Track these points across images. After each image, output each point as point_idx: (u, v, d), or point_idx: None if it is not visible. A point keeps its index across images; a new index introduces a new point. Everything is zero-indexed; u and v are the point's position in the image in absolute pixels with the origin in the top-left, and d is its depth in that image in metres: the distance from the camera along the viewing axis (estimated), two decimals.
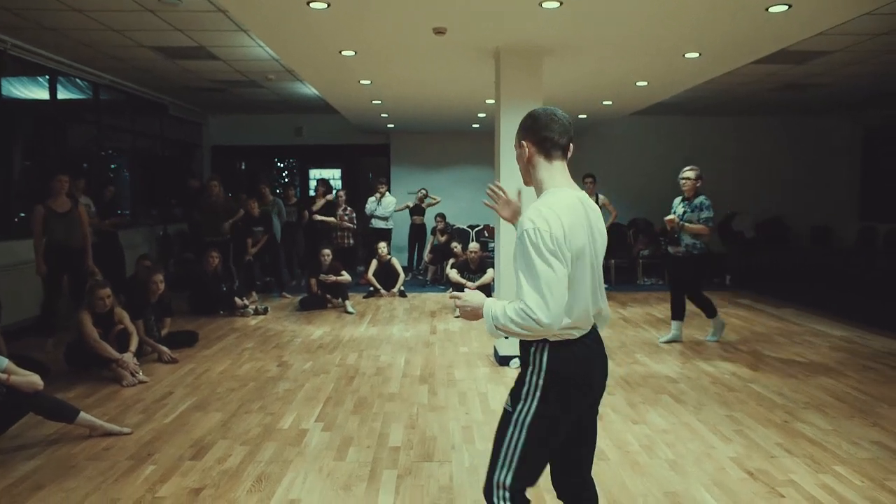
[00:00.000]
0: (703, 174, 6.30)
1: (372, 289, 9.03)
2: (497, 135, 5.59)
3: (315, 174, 13.51)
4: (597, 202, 9.24)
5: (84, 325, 5.02)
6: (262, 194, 9.49)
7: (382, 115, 9.60)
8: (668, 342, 6.23)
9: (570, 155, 2.10)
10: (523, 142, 2.09)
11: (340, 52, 5.70)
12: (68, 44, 6.81)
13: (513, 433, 2.00)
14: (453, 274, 8.21)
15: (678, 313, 6.25)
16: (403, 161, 12.33)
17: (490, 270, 8.14)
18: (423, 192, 10.83)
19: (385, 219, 10.15)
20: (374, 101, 8.37)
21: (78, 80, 8.25)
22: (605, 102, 8.43)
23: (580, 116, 9.78)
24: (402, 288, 9.25)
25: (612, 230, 10.07)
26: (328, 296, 8.17)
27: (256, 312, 7.76)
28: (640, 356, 5.73)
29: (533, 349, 2.02)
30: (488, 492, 2.04)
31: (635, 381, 4.94)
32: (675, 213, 6.18)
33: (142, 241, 9.47)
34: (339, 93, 7.93)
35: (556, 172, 2.05)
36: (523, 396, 2.01)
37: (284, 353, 5.88)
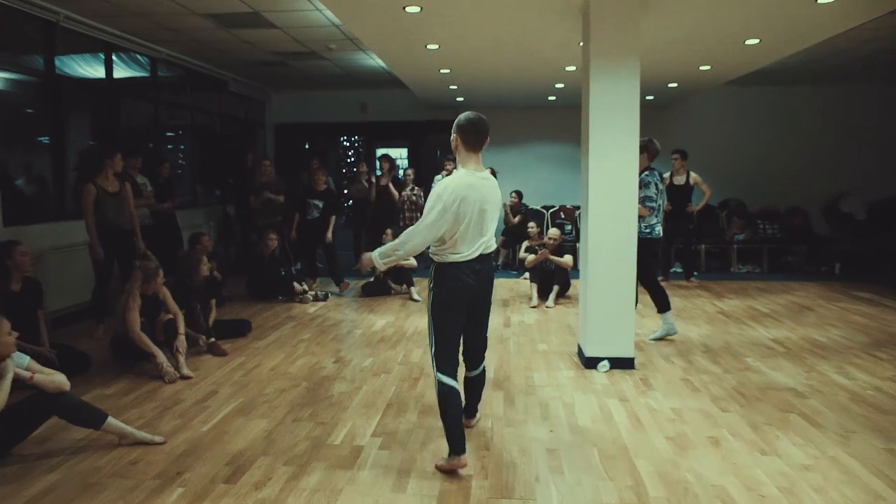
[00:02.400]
0: (651, 146, 5.47)
1: None
2: (585, 103, 4.81)
3: (381, 153, 13.00)
4: (688, 181, 8.29)
5: (128, 313, 4.59)
6: (311, 168, 9.01)
7: (451, 87, 8.89)
8: (659, 339, 5.46)
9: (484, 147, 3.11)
10: (455, 136, 3.12)
11: (405, 9, 5.03)
12: (121, 14, 6.42)
13: (428, 321, 3.17)
14: (531, 258, 7.47)
15: (660, 305, 5.44)
16: None
17: (568, 256, 7.36)
18: (490, 171, 10.08)
19: None
20: (442, 71, 7.67)
21: (138, 56, 7.92)
22: (702, 67, 7.44)
23: (669, 85, 8.79)
24: None
25: (704, 213, 9.06)
26: (391, 282, 7.61)
27: (316, 299, 7.27)
28: (751, 360, 4.87)
29: (433, 267, 3.15)
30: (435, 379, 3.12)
31: (752, 393, 4.11)
32: None
33: (204, 221, 9.16)
34: (404, 61, 7.28)
35: (469, 160, 3.12)
36: (429, 295, 3.16)
37: (342, 347, 5.33)
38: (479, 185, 3.04)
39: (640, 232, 5.08)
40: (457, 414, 3.07)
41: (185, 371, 4.53)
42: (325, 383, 4.38)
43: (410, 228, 3.07)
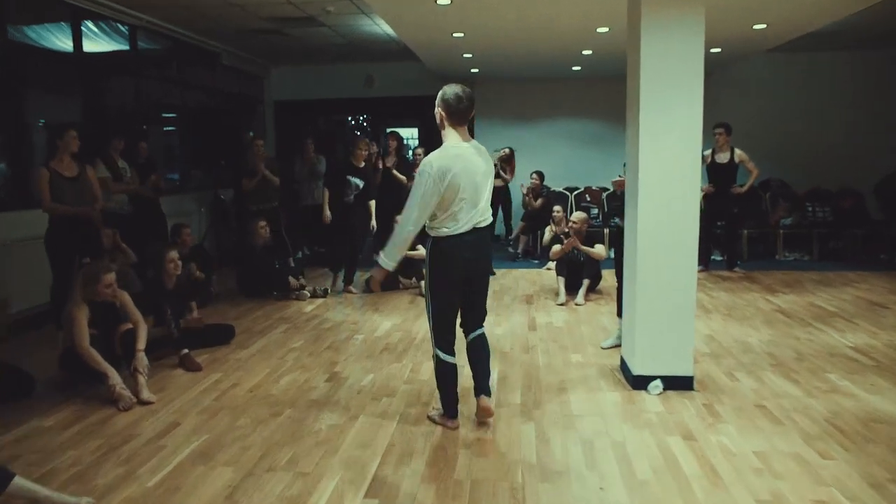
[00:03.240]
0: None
1: None
2: (633, 68, 3.87)
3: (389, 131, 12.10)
4: (732, 158, 7.34)
5: (73, 325, 3.78)
6: (305, 149, 8.17)
7: (465, 54, 7.96)
8: (612, 347, 4.61)
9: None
10: (439, 110, 3.08)
11: None
12: None
13: (426, 297, 3.21)
14: (557, 249, 6.59)
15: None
16: (488, 113, 10.64)
17: (599, 245, 6.46)
18: (507, 150, 9.18)
19: None
20: (455, 34, 6.74)
21: (118, 26, 7.07)
22: (757, 26, 6.46)
23: (712, 51, 7.80)
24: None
25: (745, 195, 8.04)
26: (399, 276, 6.76)
27: (314, 295, 6.45)
28: (836, 377, 3.98)
29: (429, 242, 3.13)
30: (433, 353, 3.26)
31: (853, 428, 3.23)
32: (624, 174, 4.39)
33: (195, 207, 8.35)
34: (411, 22, 6.36)
35: (453, 133, 3.09)
36: (427, 266, 3.17)
37: (339, 358, 4.50)
38: (466, 154, 3.04)
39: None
40: (453, 384, 3.27)
41: (145, 395, 3.72)
42: (313, 412, 3.56)
43: (404, 211, 3.05)
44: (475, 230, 3.08)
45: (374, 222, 6.73)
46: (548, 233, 8.10)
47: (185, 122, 8.66)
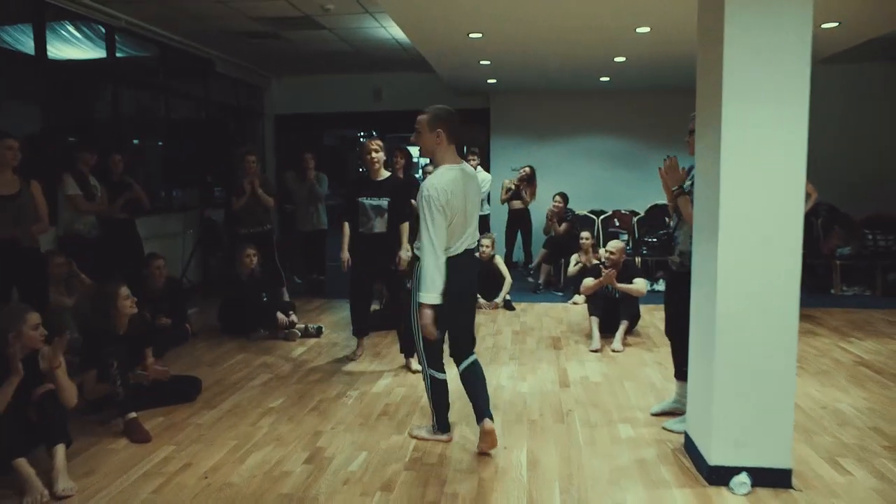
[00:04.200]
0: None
1: None
2: (714, 69, 2.95)
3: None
4: None
5: None
6: (304, 166, 7.29)
7: (482, 61, 7.10)
8: (665, 414, 3.67)
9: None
10: (439, 130, 3.01)
11: None
12: None
13: (415, 321, 3.08)
14: (586, 282, 5.65)
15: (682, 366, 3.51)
16: (506, 129, 9.79)
17: (639, 280, 5.52)
18: (528, 169, 8.28)
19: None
20: (471, 35, 5.88)
21: (94, 27, 6.29)
22: (826, 25, 5.55)
23: None
24: (509, 297, 6.80)
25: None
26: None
27: (306, 334, 5.55)
28: None
29: (417, 265, 3.04)
30: (423, 370, 3.25)
31: None
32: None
33: (180, 229, 7.51)
34: (423, 24, 5.52)
35: (449, 152, 3.07)
36: (416, 286, 3.01)
37: (325, 426, 3.58)
38: (460, 177, 3.02)
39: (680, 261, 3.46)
40: (447, 398, 3.30)
41: (62, 486, 2.81)
42: None
43: (422, 242, 2.97)
44: (466, 252, 3.11)
45: (404, 255, 4.55)
46: (573, 262, 7.22)
47: (173, 135, 7.82)
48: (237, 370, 4.63)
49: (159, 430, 3.50)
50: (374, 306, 6.33)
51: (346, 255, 4.69)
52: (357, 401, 3.99)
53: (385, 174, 4.61)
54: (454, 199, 2.95)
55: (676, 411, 3.60)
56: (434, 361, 3.22)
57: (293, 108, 10.11)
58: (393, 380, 4.40)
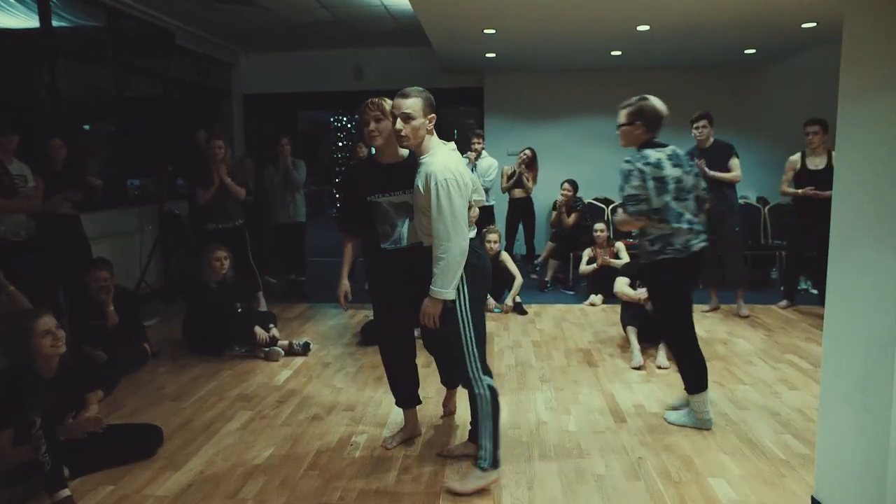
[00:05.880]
0: (646, 108, 3.21)
1: None
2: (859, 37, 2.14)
3: None
4: (829, 163, 5.65)
5: None
6: (280, 151, 6.33)
7: (486, 30, 6.19)
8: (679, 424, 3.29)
9: None
10: (433, 115, 2.63)
11: None
12: None
13: (463, 323, 2.62)
14: (621, 285, 4.84)
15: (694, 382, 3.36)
16: (502, 109, 8.91)
17: None
18: (529, 152, 7.41)
19: (484, 191, 6.77)
20: None
21: None
22: None
23: (804, 26, 6.13)
24: (519, 299, 5.97)
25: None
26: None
27: (291, 351, 4.65)
28: None
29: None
30: (467, 382, 2.67)
31: None
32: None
33: (137, 226, 6.49)
34: None
35: (436, 139, 2.70)
36: (459, 290, 2.60)
37: (331, 495, 2.69)
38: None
39: (648, 250, 3.22)
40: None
41: None
42: None
43: (440, 233, 2.52)
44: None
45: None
46: (586, 257, 6.44)
47: (127, 118, 6.76)
48: (208, 406, 3.72)
49: None
50: (368, 318, 5.50)
51: (345, 285, 3.07)
52: (367, 450, 3.12)
53: (403, 154, 2.89)
54: (465, 180, 2.61)
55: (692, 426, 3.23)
56: (485, 364, 2.71)
57: (264, 88, 9.09)
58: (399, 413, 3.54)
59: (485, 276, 2.74)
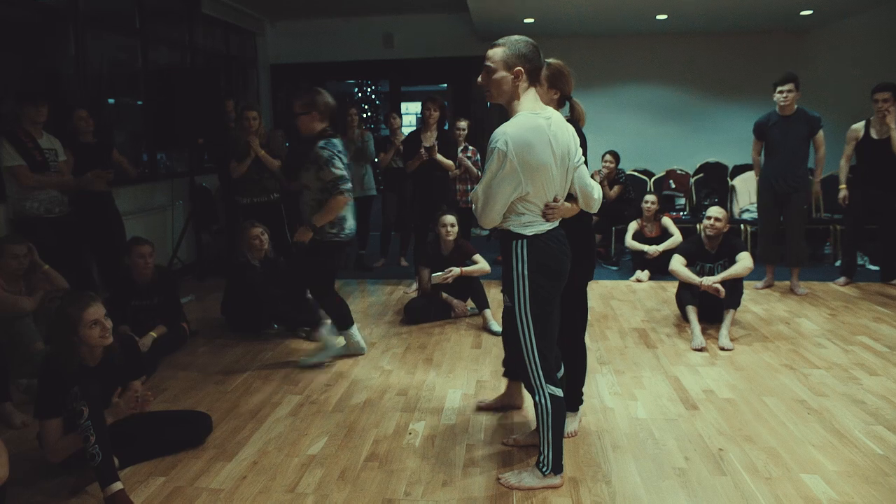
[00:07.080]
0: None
1: None
2: None
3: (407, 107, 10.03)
4: None
5: None
6: (348, 123, 6.19)
7: None
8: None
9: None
10: (519, 67, 2.24)
11: None
12: None
13: (523, 326, 2.34)
14: (677, 264, 4.57)
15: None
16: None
17: (744, 255, 4.46)
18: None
19: None
20: None
21: None
22: None
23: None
24: None
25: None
26: (447, 296, 4.76)
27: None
28: None
29: (515, 243, 2.31)
30: (529, 389, 2.44)
31: None
32: None
33: (167, 202, 6.32)
34: None
35: (531, 97, 2.30)
36: (516, 289, 2.32)
37: (396, 489, 2.52)
38: (544, 126, 2.28)
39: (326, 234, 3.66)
40: (564, 425, 2.53)
41: None
42: None
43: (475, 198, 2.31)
44: (552, 233, 2.37)
45: None
46: (631, 231, 6.20)
47: (154, 90, 6.55)
48: (254, 389, 3.56)
49: (158, 502, 2.45)
50: (412, 292, 5.34)
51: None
52: (427, 440, 2.94)
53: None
54: (532, 157, 2.20)
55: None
56: (550, 375, 2.42)
57: (290, 58, 8.83)
58: (462, 396, 3.36)
59: (551, 273, 2.34)
